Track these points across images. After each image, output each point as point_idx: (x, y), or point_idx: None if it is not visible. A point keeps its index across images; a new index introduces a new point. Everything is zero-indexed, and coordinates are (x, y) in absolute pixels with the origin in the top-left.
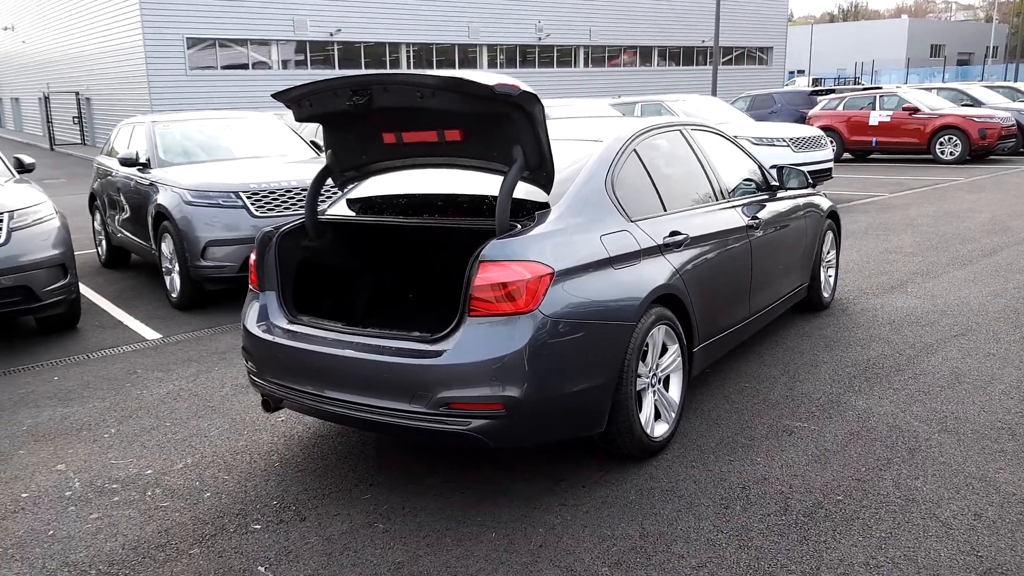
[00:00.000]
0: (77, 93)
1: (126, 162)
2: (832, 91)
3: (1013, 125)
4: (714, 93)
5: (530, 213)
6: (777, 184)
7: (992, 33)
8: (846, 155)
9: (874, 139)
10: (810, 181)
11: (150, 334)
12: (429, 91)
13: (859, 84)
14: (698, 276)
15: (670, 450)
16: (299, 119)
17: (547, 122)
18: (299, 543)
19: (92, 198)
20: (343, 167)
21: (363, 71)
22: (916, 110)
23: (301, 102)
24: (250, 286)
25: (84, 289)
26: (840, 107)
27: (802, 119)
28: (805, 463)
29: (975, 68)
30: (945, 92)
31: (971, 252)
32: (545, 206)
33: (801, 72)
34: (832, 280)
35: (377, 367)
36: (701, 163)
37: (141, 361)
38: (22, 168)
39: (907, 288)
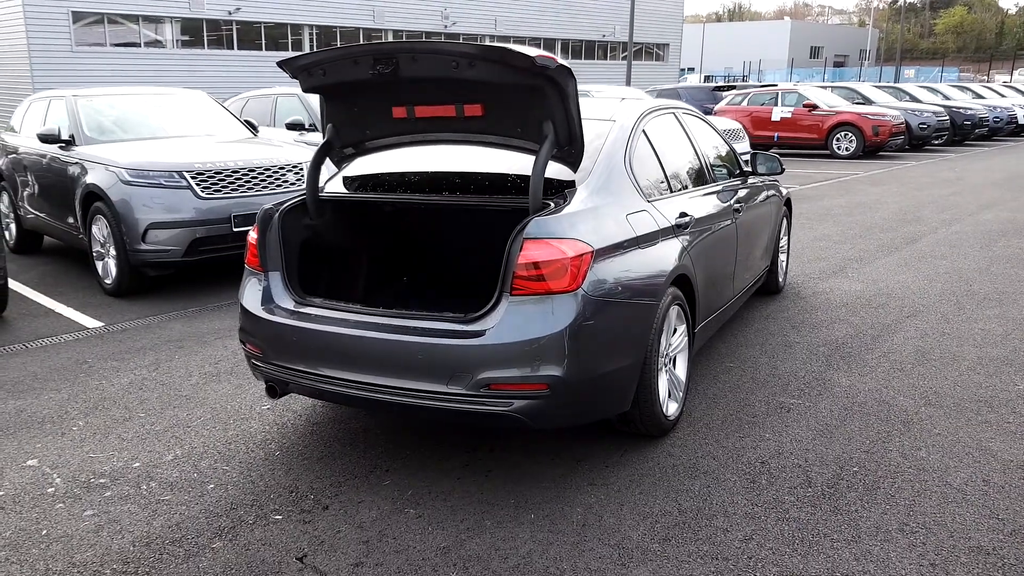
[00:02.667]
0: None
1: (46, 139)
2: (733, 87)
3: (902, 123)
4: (628, 84)
5: (555, 191)
6: (749, 170)
7: (868, 38)
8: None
9: (776, 134)
10: (783, 168)
11: (90, 322)
12: (467, 61)
13: (746, 82)
14: (700, 257)
15: (680, 428)
16: (306, 89)
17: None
18: (330, 532)
19: None
20: (343, 143)
21: (264, 52)
22: (815, 107)
23: (312, 70)
24: (247, 266)
25: None
26: (744, 103)
27: (707, 114)
28: (812, 437)
29: (851, 70)
30: (839, 90)
31: (894, 240)
32: (570, 184)
33: (692, 69)
34: (784, 265)
35: (411, 348)
36: (693, 146)
37: (89, 350)
38: None
39: (847, 273)
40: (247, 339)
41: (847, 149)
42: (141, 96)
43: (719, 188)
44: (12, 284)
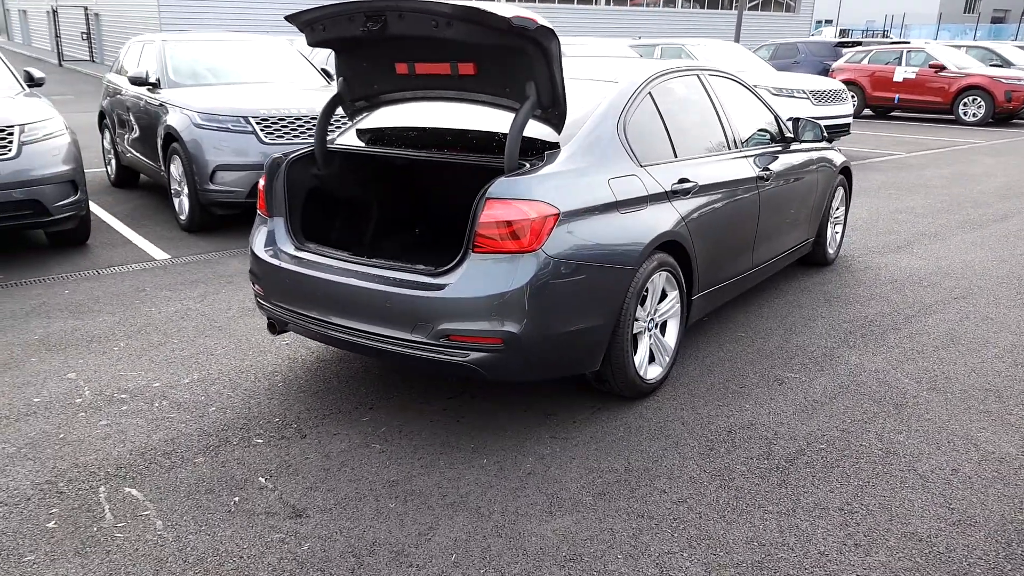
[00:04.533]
0: (86, 8)
1: (136, 81)
2: (859, 43)
3: None
4: (737, 39)
5: (540, 152)
6: (792, 136)
7: None
8: (867, 111)
9: (897, 96)
10: (825, 135)
11: (159, 254)
12: (444, 20)
13: (887, 38)
14: (703, 225)
15: (661, 392)
16: (311, 43)
17: (563, 59)
18: (299, 458)
19: (101, 116)
20: (354, 96)
21: None
22: (942, 68)
23: (314, 26)
24: (258, 211)
25: (94, 207)
26: (865, 61)
27: (825, 71)
28: (792, 412)
29: (1010, 27)
30: (975, 51)
31: (982, 216)
32: (556, 146)
33: (828, 22)
34: (839, 237)
35: (380, 296)
36: (716, 110)
37: (150, 280)
38: (32, 82)
39: (913, 249)
40: (254, 279)
41: (975, 115)
42: (225, 43)
43: (742, 155)
44: (103, 216)
